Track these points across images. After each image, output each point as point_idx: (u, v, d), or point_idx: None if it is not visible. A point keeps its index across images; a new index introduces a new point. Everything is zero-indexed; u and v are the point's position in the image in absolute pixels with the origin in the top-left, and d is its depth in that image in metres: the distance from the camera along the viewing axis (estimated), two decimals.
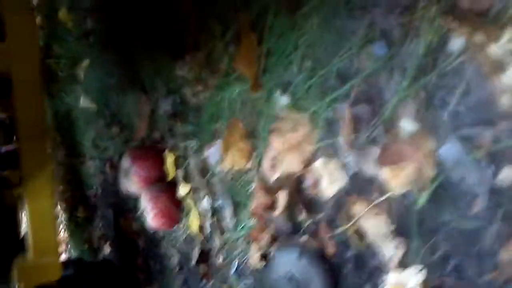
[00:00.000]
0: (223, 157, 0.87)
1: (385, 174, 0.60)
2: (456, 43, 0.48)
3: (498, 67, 0.44)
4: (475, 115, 0.49)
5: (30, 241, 1.15)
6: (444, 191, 0.55)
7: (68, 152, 2.40)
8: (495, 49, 0.43)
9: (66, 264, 1.63)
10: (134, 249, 1.63)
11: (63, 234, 2.96)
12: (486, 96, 0.47)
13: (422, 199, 0.57)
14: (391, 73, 0.56)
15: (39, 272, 1.15)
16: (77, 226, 2.43)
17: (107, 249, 1.96)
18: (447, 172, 0.54)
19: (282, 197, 0.77)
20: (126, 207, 1.66)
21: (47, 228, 1.15)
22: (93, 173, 2.03)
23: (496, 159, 0.48)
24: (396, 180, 0.58)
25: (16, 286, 1.17)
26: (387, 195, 0.61)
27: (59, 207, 2.91)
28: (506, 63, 0.43)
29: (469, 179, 0.52)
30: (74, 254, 2.52)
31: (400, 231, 0.61)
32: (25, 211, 1.15)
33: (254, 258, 0.90)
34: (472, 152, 0.50)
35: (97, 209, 2.04)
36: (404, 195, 0.59)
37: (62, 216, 2.88)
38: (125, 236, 1.72)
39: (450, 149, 0.52)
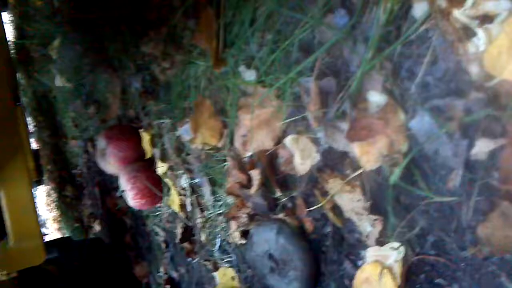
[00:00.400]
0: (194, 136, 0.84)
1: (356, 149, 0.57)
2: (419, 9, 0.43)
3: (464, 34, 0.40)
4: (444, 85, 0.45)
5: (9, 228, 1.12)
6: (417, 165, 0.52)
7: (51, 132, 2.36)
8: (459, 15, 0.39)
9: (52, 245, 1.62)
10: (122, 227, 1.61)
11: (54, 213, 2.95)
12: (454, 66, 0.43)
13: (395, 174, 0.54)
14: (354, 43, 0.51)
15: (21, 258, 1.12)
16: (66, 205, 2.41)
17: (97, 227, 1.95)
18: (420, 146, 0.50)
19: (256, 175, 0.74)
20: (111, 186, 1.63)
21: (26, 213, 1.12)
22: (76, 153, 2.00)
23: (469, 132, 0.45)
24: (367, 156, 0.55)
25: None
26: (360, 171, 0.57)
27: (49, 186, 2.89)
28: (471, 30, 0.39)
29: (443, 153, 0.49)
30: (66, 232, 2.52)
31: (376, 207, 0.59)
32: (1, 198, 1.12)
33: (234, 235, 0.88)
34: (444, 125, 0.47)
35: (84, 188, 2.01)
36: (376, 171, 0.56)
37: (52, 196, 2.86)
38: (113, 214, 1.70)
39: (421, 122, 0.49)
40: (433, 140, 0.48)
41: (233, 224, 0.86)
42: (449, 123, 0.46)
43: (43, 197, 3.17)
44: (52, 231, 3.05)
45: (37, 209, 1.22)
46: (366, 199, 0.59)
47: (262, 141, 0.71)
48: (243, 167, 0.77)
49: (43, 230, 3.31)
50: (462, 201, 0.49)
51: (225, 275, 0.98)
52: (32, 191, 1.14)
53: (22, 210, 1.10)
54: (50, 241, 1.79)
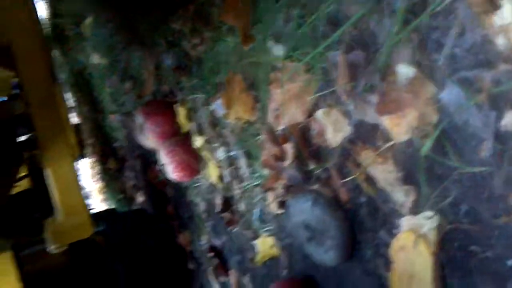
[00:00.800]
0: (227, 111, 0.85)
1: (386, 122, 0.57)
2: None
3: (489, 6, 0.39)
4: (472, 57, 0.45)
5: (56, 203, 1.18)
6: (448, 137, 0.52)
7: (90, 108, 2.43)
8: None
9: (98, 217, 1.69)
10: (164, 198, 1.67)
11: (99, 184, 3.05)
12: (482, 37, 0.43)
13: (426, 146, 0.54)
14: (381, 16, 0.51)
15: (70, 232, 1.18)
16: (109, 178, 2.49)
17: (140, 198, 2.01)
18: (450, 117, 0.50)
19: (289, 148, 0.76)
20: (151, 159, 1.68)
21: (71, 188, 1.17)
22: (116, 127, 2.05)
23: (498, 103, 0.45)
24: (397, 128, 0.56)
25: (50, 247, 1.22)
26: (391, 143, 0.58)
27: (92, 159, 2.99)
28: (497, 2, 0.39)
29: (473, 124, 0.48)
30: (111, 203, 2.61)
31: (408, 178, 0.59)
32: (47, 175, 1.18)
33: (272, 206, 0.90)
34: (473, 96, 0.47)
35: (126, 161, 2.08)
36: (407, 143, 0.56)
37: (95, 168, 2.96)
38: (155, 186, 1.75)
39: (450, 94, 0.49)
40: (462, 111, 0.48)
41: (270, 195, 0.88)
42: (478, 95, 0.46)
43: (87, 170, 3.28)
44: (98, 202, 3.17)
45: (81, 184, 1.28)
46: (398, 170, 0.59)
47: (294, 114, 0.72)
48: (277, 140, 0.78)
49: (89, 201, 3.44)
50: (493, 171, 0.49)
51: (264, 244, 1.01)
52: (75, 167, 1.19)
53: (67, 186, 1.16)
54: (96, 213, 1.87)
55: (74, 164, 1.19)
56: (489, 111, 0.46)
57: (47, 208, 1.41)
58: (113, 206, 2.51)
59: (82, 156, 2.92)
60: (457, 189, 0.54)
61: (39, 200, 1.90)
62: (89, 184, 3.34)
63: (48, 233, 1.19)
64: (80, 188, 1.19)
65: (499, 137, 0.47)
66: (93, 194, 3.31)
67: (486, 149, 0.48)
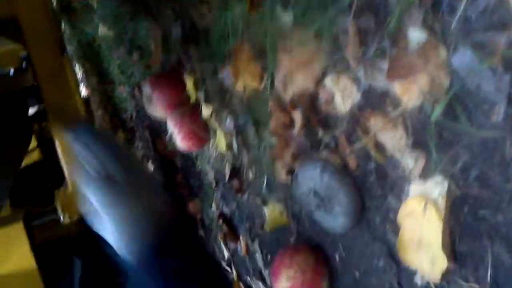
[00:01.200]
0: (235, 80, 0.85)
1: (396, 88, 0.56)
2: None
3: None
4: (486, 20, 0.44)
5: (67, 174, 1.19)
6: (459, 101, 0.51)
7: (99, 79, 2.42)
8: None
9: None
10: (173, 168, 1.68)
11: None
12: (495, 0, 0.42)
13: (438, 111, 0.54)
14: None
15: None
16: None
17: (150, 168, 2.03)
18: (461, 81, 0.50)
19: (297, 116, 0.76)
20: (160, 129, 1.68)
21: None
22: (125, 98, 2.05)
23: (511, 66, 0.44)
24: (408, 94, 0.55)
25: (61, 217, 1.24)
26: (401, 109, 0.58)
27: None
28: None
29: (485, 88, 0.48)
30: None
31: (418, 143, 0.59)
32: (56, 146, 1.18)
33: (280, 174, 0.90)
34: (486, 59, 0.46)
35: (135, 131, 2.09)
36: (418, 108, 0.56)
37: None
38: (164, 155, 1.76)
39: (462, 58, 0.48)
40: (474, 75, 0.48)
41: (278, 163, 0.88)
42: (491, 58, 0.45)
43: None
44: None
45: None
46: (408, 136, 0.59)
47: (302, 82, 0.72)
48: (285, 108, 0.78)
49: None
50: (505, 135, 0.48)
51: (273, 211, 1.02)
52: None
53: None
54: None
55: None
56: (502, 75, 0.45)
57: (58, 179, 1.42)
58: None
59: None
60: (467, 154, 0.54)
61: (50, 171, 1.92)
62: None
63: (58, 203, 1.20)
64: None
65: None
66: None
67: (498, 114, 0.48)
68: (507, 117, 0.47)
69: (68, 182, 1.17)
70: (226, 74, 0.93)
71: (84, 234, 1.45)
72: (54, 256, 1.34)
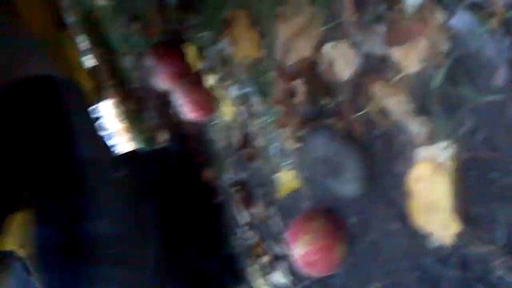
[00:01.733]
0: (234, 49, 0.83)
1: (395, 54, 0.54)
2: None
3: None
4: None
5: None
6: (461, 65, 0.49)
7: (104, 50, 2.40)
8: None
9: (122, 162, 1.72)
10: (186, 136, 1.68)
11: (124, 124, 3.08)
12: None
13: (439, 75, 0.52)
14: None
15: None
16: (131, 118, 2.51)
17: (164, 137, 2.03)
18: (462, 45, 0.48)
19: (300, 84, 0.74)
20: (167, 97, 1.67)
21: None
22: (130, 68, 2.04)
23: (511, 29, 0.42)
24: (407, 59, 0.53)
25: None
26: (402, 74, 0.56)
27: (113, 100, 3.00)
28: None
29: (486, 51, 0.46)
30: (137, 142, 2.65)
31: (422, 109, 0.57)
32: None
33: (288, 141, 0.89)
34: (485, 22, 0.44)
35: (144, 101, 2.08)
36: (419, 73, 0.54)
37: (117, 109, 2.98)
38: (175, 124, 1.76)
39: (461, 21, 0.46)
40: (474, 39, 0.46)
41: (285, 131, 0.87)
42: (490, 20, 0.43)
43: (111, 111, 3.31)
44: (126, 141, 3.21)
45: (100, 132, 1.28)
46: (411, 101, 0.58)
47: (301, 49, 0.70)
48: (287, 76, 0.76)
49: (117, 141, 3.49)
50: (509, 98, 0.47)
51: (285, 177, 1.01)
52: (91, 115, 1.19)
53: None
54: (118, 157, 1.89)
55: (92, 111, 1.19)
56: (502, 37, 0.43)
57: None
58: (139, 146, 2.54)
59: (102, 98, 2.94)
60: (472, 118, 0.52)
61: None
62: (115, 124, 3.38)
63: None
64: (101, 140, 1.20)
65: None
66: (120, 134, 3.35)
67: (500, 77, 0.46)
68: (509, 81, 0.45)
69: None
70: (224, 43, 0.91)
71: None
72: None
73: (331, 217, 0.90)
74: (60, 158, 0.88)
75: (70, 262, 0.88)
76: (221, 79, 1.07)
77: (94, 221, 0.78)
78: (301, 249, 0.89)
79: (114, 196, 1.27)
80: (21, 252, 1.12)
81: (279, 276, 1.33)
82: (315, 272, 0.90)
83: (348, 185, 0.76)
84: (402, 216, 0.71)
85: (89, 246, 0.79)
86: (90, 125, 0.85)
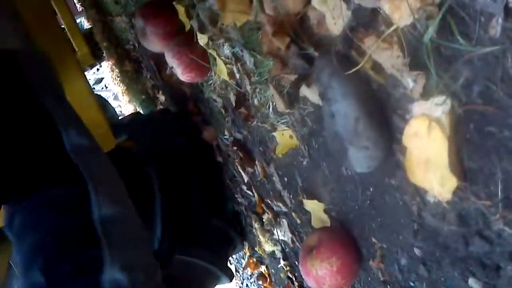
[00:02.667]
0: (221, 14, 0.80)
1: (385, 6, 0.52)
2: None
3: None
4: None
5: None
6: (454, 15, 0.47)
7: (97, 10, 2.35)
8: None
9: (123, 124, 1.71)
10: (183, 96, 1.66)
11: (121, 86, 3.05)
12: None
13: (431, 28, 0.49)
14: None
15: None
16: (129, 79, 2.48)
17: (162, 97, 2.01)
18: None
19: (289, 38, 0.71)
20: (163, 58, 1.64)
21: (86, 102, 1.15)
22: (124, 28, 1.99)
23: None
24: (398, 11, 0.50)
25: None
26: (393, 28, 0.53)
27: (110, 62, 2.96)
28: None
29: (480, 0, 0.43)
30: (136, 104, 2.63)
31: (416, 62, 0.55)
32: None
33: (279, 104, 0.87)
34: None
35: (141, 62, 2.05)
36: (411, 26, 0.51)
37: (115, 71, 2.94)
38: (171, 85, 1.73)
39: None
40: None
41: (275, 88, 0.85)
42: None
43: (108, 73, 3.27)
44: (124, 104, 3.19)
45: (98, 102, 1.26)
46: (404, 55, 0.55)
47: (291, 4, 0.67)
48: (276, 31, 0.73)
49: (116, 103, 3.47)
50: (505, 49, 0.44)
51: (283, 135, 1.00)
52: (89, 85, 1.17)
53: (83, 104, 1.14)
54: (120, 121, 1.88)
55: (86, 78, 1.16)
56: None
57: None
58: (138, 107, 2.52)
59: (100, 59, 2.89)
60: (468, 70, 0.50)
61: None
62: (113, 86, 3.35)
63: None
64: (95, 100, 1.18)
65: (510, 12, 0.41)
66: (119, 95, 3.33)
67: (496, 26, 0.43)
68: (505, 30, 0.43)
69: None
70: (213, 1, 0.88)
71: None
72: None
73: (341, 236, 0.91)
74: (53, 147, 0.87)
75: (84, 248, 0.89)
76: (213, 38, 1.04)
77: (101, 205, 0.78)
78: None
79: (115, 177, 1.27)
80: None
81: (279, 234, 1.34)
82: None
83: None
84: (401, 172, 0.69)
85: (99, 230, 0.80)
86: (66, 107, 0.82)
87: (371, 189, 0.81)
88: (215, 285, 1.66)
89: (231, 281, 1.66)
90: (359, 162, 0.69)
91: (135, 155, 1.60)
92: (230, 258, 1.91)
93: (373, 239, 0.87)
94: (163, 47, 1.16)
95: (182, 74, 1.15)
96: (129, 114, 2.24)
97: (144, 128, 1.71)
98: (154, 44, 1.18)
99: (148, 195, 1.49)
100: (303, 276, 0.95)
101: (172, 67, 1.16)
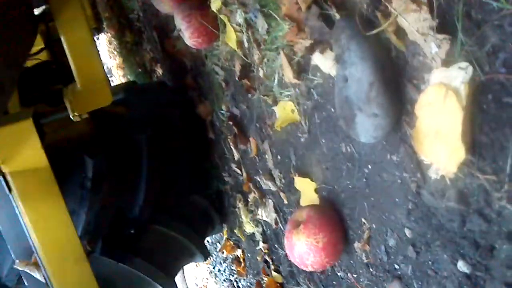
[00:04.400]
0: None
1: None
2: None
3: None
4: None
5: (75, 71, 1.16)
6: None
7: None
8: None
9: (118, 89, 1.68)
10: (182, 69, 1.64)
11: (117, 60, 3.02)
12: None
13: None
14: None
15: (89, 100, 1.18)
16: (128, 51, 2.45)
17: (159, 71, 1.99)
18: None
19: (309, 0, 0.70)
20: (168, 28, 1.62)
21: (89, 55, 1.14)
22: None
23: None
24: None
25: (70, 114, 1.22)
26: None
27: (109, 34, 2.93)
28: None
29: None
30: (130, 78, 2.60)
31: (443, 25, 0.54)
32: (63, 43, 1.14)
33: (287, 75, 0.86)
34: None
35: (143, 32, 2.02)
36: None
37: (113, 43, 2.91)
38: (172, 57, 1.72)
39: None
40: None
41: (286, 58, 0.84)
42: None
43: (105, 45, 3.24)
44: (118, 78, 3.16)
45: (99, 53, 1.24)
46: (433, 17, 0.55)
47: None
48: None
49: (109, 77, 3.43)
50: None
51: (284, 109, 0.99)
52: (92, 35, 1.15)
53: (84, 53, 1.12)
54: (116, 85, 1.86)
55: (91, 32, 1.15)
56: None
57: (66, 80, 1.39)
58: (133, 80, 2.49)
59: (99, 30, 2.86)
60: (496, 35, 0.50)
61: (58, 71, 1.90)
62: (108, 60, 3.31)
63: (67, 100, 1.18)
64: (98, 56, 1.16)
65: None
66: (113, 69, 3.30)
67: None
68: None
69: (76, 79, 1.15)
70: None
71: (96, 134, 1.45)
72: (65, 155, 1.35)
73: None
74: None
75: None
76: (226, 3, 1.03)
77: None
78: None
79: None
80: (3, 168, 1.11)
81: (263, 214, 1.33)
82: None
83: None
84: (405, 146, 0.69)
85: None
86: None
87: (369, 167, 0.80)
88: (189, 262, 1.65)
89: (205, 260, 1.64)
90: (366, 130, 0.68)
91: (127, 121, 1.58)
92: (208, 238, 1.89)
93: (363, 220, 0.86)
94: (174, 8, 1.15)
95: (189, 38, 1.14)
96: (125, 82, 2.22)
97: (139, 96, 1.69)
98: (165, 4, 1.17)
99: (135, 161, 1.48)
100: (286, 251, 0.94)
101: (180, 30, 1.14)
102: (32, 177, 1.09)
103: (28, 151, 1.11)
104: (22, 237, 1.13)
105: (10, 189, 1.12)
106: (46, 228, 1.06)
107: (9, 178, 1.11)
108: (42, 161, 1.12)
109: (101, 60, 1.20)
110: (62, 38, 1.12)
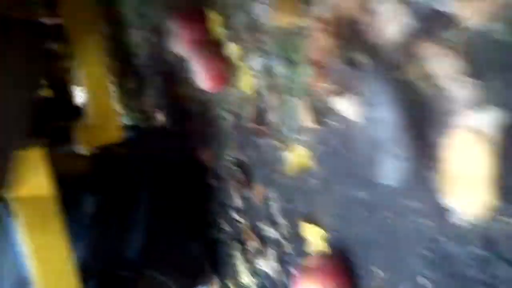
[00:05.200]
0: (272, 14, 0.81)
1: (455, 5, 0.53)
2: None
3: None
4: None
5: (88, 107, 1.16)
6: None
7: (111, 23, 2.37)
8: None
9: (126, 128, 1.69)
10: (187, 115, 1.65)
11: (116, 105, 3.03)
12: None
13: (502, 30, 0.50)
14: None
15: (100, 134, 1.18)
16: (128, 97, 2.47)
17: (160, 118, 2.00)
18: None
19: (338, 41, 0.72)
20: (175, 74, 1.65)
21: (103, 93, 1.16)
22: (138, 43, 2.01)
23: None
24: (469, 11, 0.52)
25: (77, 148, 1.22)
26: (459, 31, 0.54)
27: (110, 79, 2.95)
28: None
29: None
30: (129, 123, 2.60)
31: (475, 71, 0.56)
32: (79, 80, 1.15)
33: (306, 117, 0.87)
34: None
35: (145, 79, 2.05)
36: (480, 29, 0.53)
37: (113, 89, 2.93)
38: (177, 103, 1.73)
39: None
40: None
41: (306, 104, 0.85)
42: None
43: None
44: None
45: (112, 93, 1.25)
46: (465, 62, 0.56)
47: (342, 7, 0.68)
48: (325, 35, 0.74)
49: None
50: None
51: (297, 154, 0.99)
52: (106, 68, 1.17)
53: (99, 90, 1.14)
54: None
55: (105, 65, 1.16)
56: None
57: (69, 116, 1.40)
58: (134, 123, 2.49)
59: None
60: None
61: (60, 108, 1.90)
62: None
63: (76, 133, 1.18)
64: (110, 90, 1.17)
65: None
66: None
67: None
68: None
69: (87, 112, 1.15)
70: (259, 8, 0.89)
71: (99, 171, 1.44)
72: (63, 190, 1.33)
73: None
74: None
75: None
76: (244, 48, 1.05)
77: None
78: None
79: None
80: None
81: (263, 264, 1.30)
82: None
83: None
84: (427, 190, 0.69)
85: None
86: None
87: (385, 213, 0.80)
88: None
89: None
90: (389, 173, 0.69)
91: (127, 162, 1.58)
92: None
93: (374, 269, 0.85)
94: (190, 51, 1.17)
95: (204, 80, 1.16)
96: (127, 125, 2.22)
97: (140, 139, 1.69)
98: (181, 47, 1.19)
99: (134, 202, 1.46)
100: None
101: (194, 72, 1.16)
102: (39, 205, 1.08)
103: (38, 178, 1.10)
104: (14, 270, 1.09)
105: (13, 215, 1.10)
106: (46, 259, 1.04)
107: (14, 204, 1.10)
108: (50, 190, 1.10)
109: (112, 95, 1.21)
110: (80, 73, 1.13)
